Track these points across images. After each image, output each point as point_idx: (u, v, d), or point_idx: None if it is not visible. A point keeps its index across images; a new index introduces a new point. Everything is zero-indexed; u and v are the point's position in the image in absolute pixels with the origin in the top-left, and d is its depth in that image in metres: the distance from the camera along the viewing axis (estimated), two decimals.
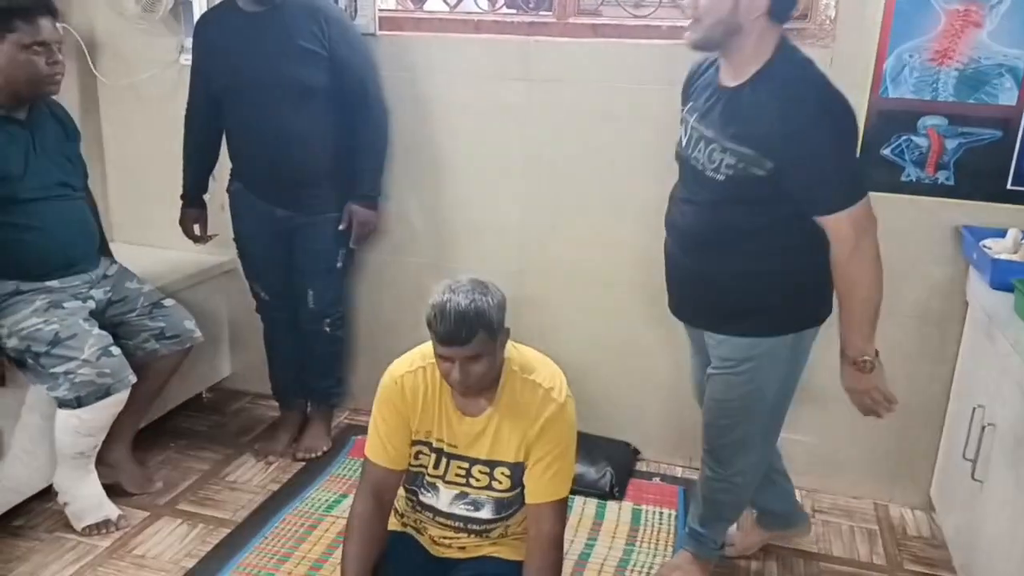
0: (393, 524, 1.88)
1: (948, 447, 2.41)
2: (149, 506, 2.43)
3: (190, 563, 2.18)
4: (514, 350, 1.76)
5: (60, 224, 2.22)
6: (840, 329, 1.77)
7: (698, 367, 2.08)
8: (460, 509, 1.78)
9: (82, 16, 2.91)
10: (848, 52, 2.28)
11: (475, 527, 1.79)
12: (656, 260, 2.54)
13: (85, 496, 2.29)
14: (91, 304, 2.27)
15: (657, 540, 2.35)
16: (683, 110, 1.88)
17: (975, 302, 2.21)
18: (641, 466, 2.74)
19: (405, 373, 1.75)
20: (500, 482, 1.75)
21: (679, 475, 2.71)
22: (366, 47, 2.53)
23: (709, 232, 1.80)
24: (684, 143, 1.83)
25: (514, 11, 2.69)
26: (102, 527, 2.29)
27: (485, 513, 1.77)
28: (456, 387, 1.65)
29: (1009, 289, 1.97)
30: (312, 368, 2.75)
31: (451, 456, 1.76)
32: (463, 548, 1.84)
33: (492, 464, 1.74)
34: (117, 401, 2.20)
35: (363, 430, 2.86)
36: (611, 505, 2.50)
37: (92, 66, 2.95)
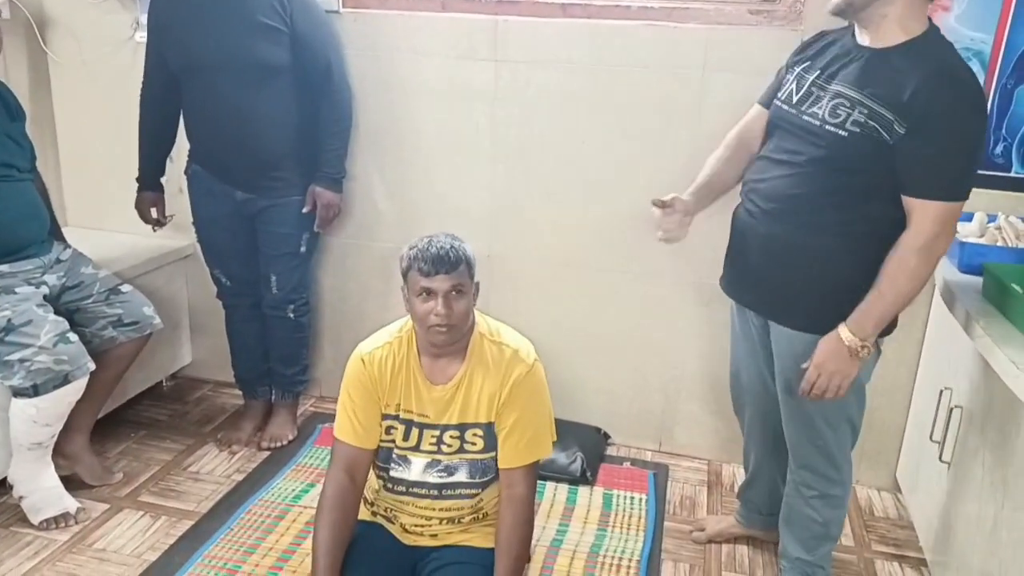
0: (363, 514, 1.86)
1: (915, 429, 2.43)
2: (109, 498, 2.36)
3: (153, 556, 2.13)
4: (480, 317, 1.80)
5: (6, 206, 2.13)
6: (856, 309, 1.69)
7: (747, 355, 2.02)
8: (433, 476, 1.78)
9: None
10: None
11: (449, 493, 1.79)
12: (626, 241, 2.54)
13: (42, 489, 2.22)
14: (44, 290, 2.19)
15: (628, 524, 2.34)
16: (792, 69, 1.81)
17: (942, 285, 2.22)
18: (611, 451, 2.74)
19: (373, 350, 1.78)
20: (473, 444, 1.77)
21: (649, 459, 2.71)
22: (330, 23, 2.46)
23: (802, 193, 1.72)
24: (794, 99, 1.74)
25: None
26: (60, 520, 2.23)
27: (460, 476, 1.79)
28: (439, 323, 1.66)
29: (976, 272, 1.98)
30: (276, 355, 2.69)
31: (422, 426, 1.77)
32: (435, 536, 1.82)
33: (463, 427, 1.76)
34: (75, 389, 2.14)
35: (329, 418, 2.81)
36: (582, 490, 2.49)
37: (42, 43, 2.84)
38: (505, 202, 2.64)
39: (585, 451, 2.58)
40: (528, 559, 1.93)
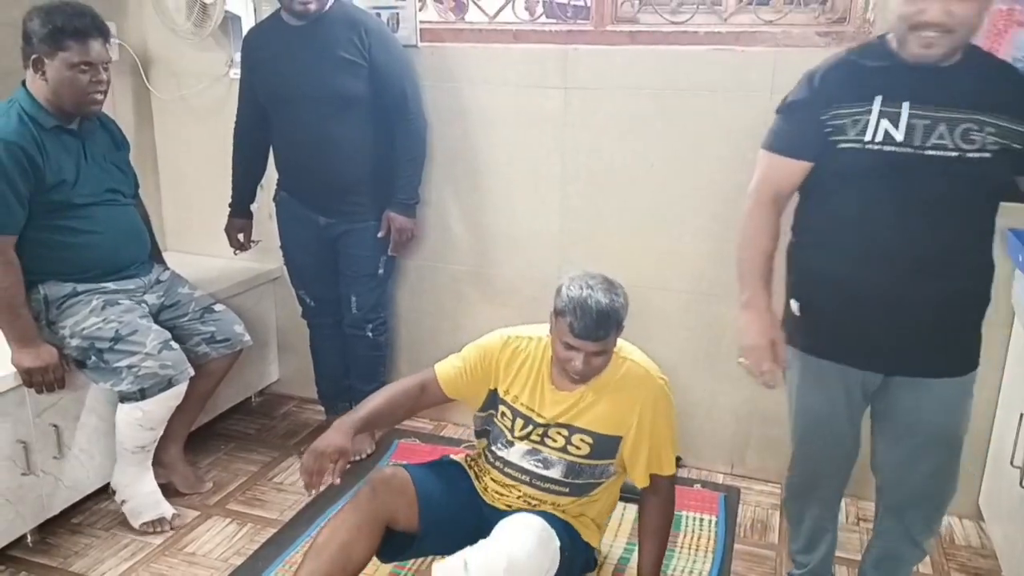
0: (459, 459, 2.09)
1: (996, 455, 2.36)
2: (200, 506, 2.51)
3: (238, 560, 2.25)
4: None
5: (111, 228, 2.31)
6: None
7: (847, 425, 1.86)
8: (529, 463, 1.90)
9: (137, 33, 3.03)
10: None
11: (539, 483, 1.91)
12: (696, 264, 2.56)
13: (143, 494, 2.38)
14: (145, 308, 2.36)
15: (697, 546, 2.34)
16: (853, 110, 1.62)
17: (1021, 306, 2.17)
18: (683, 473, 2.74)
19: (517, 336, 1.93)
20: (577, 447, 1.87)
21: (720, 482, 2.70)
22: (406, 57, 2.58)
23: (959, 233, 1.63)
24: (898, 137, 1.59)
25: (553, 20, 2.72)
26: (157, 524, 2.38)
27: (554, 472, 1.89)
28: (575, 374, 1.79)
29: None
30: (356, 372, 2.80)
31: (533, 421, 1.89)
32: (509, 506, 1.94)
33: (572, 429, 1.87)
34: (177, 393, 2.28)
35: (406, 435, 2.92)
36: None
37: (146, 80, 3.07)
38: (575, 226, 2.70)
39: None
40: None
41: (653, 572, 1.97)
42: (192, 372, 2.31)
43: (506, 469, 1.93)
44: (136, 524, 2.37)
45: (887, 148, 1.59)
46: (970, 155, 1.57)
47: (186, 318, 2.45)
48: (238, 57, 2.75)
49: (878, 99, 1.60)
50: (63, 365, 2.21)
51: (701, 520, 2.46)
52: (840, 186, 1.68)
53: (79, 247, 2.25)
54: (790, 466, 2.01)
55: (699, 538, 2.38)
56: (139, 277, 2.39)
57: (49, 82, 2.13)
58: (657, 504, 1.96)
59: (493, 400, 1.96)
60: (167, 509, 2.41)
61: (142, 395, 2.22)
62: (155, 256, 2.54)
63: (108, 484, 2.42)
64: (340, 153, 2.48)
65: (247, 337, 2.56)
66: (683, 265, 2.59)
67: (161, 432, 2.35)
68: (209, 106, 3.02)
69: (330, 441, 1.82)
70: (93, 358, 2.23)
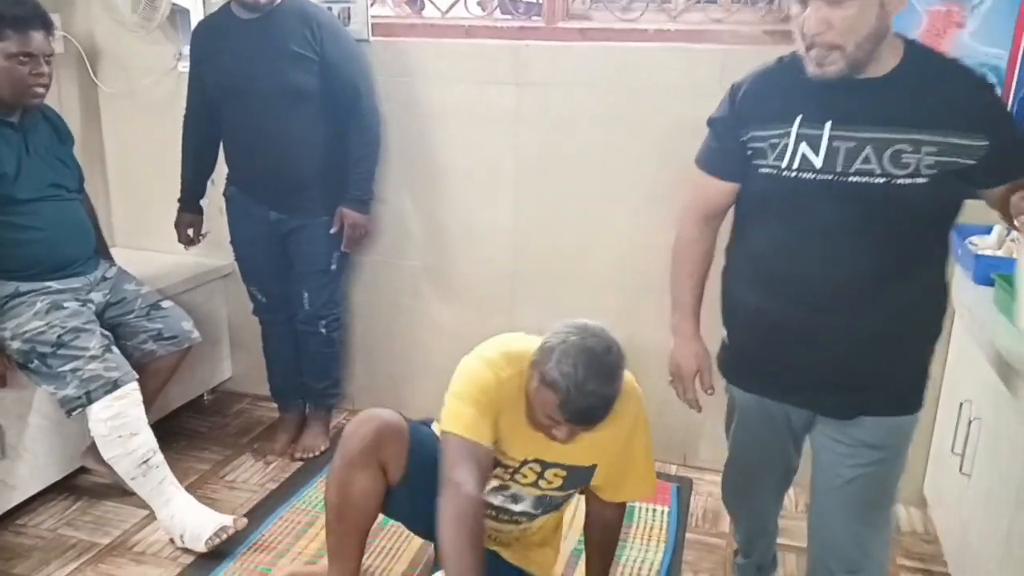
0: None
1: (939, 442, 2.42)
2: (148, 504, 2.47)
3: (188, 559, 2.22)
4: None
5: (55, 224, 2.26)
6: None
7: (774, 451, 1.78)
8: (498, 499, 1.78)
9: (83, 24, 2.97)
10: None
11: (505, 518, 1.81)
12: (646, 258, 2.58)
13: (188, 514, 2.24)
14: (91, 307, 2.32)
15: (649, 536, 2.37)
16: (772, 131, 1.48)
17: (960, 298, 2.23)
18: None
19: (507, 377, 1.66)
20: (550, 481, 1.76)
21: (673, 473, 2.73)
22: (358, 51, 2.57)
23: (882, 269, 1.46)
24: (818, 163, 1.43)
25: (506, 16, 2.73)
26: (221, 533, 2.20)
27: (522, 507, 1.80)
28: (557, 440, 1.62)
29: (992, 284, 1.99)
30: (309, 369, 2.78)
31: (502, 464, 1.74)
32: None
33: (545, 464, 1.75)
34: (128, 394, 2.20)
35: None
36: None
37: (92, 74, 3.01)
38: (529, 220, 2.71)
39: None
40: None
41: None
42: (136, 375, 2.27)
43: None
44: (202, 547, 2.20)
45: (805, 175, 1.44)
46: (900, 181, 1.40)
47: (132, 315, 2.41)
48: (187, 50, 2.72)
49: (797, 120, 1.45)
50: (4, 362, 2.16)
51: (654, 511, 2.49)
52: (759, 210, 1.56)
53: (22, 243, 2.20)
54: (726, 465, 1.98)
55: (651, 528, 2.40)
56: (84, 275, 2.34)
57: None
58: (618, 519, 1.93)
59: None
60: (223, 519, 2.23)
61: (88, 399, 2.17)
62: (101, 252, 2.49)
63: (51, 486, 2.37)
64: (291, 148, 2.46)
65: (196, 334, 2.53)
66: (635, 260, 2.62)
67: (151, 438, 2.25)
68: (158, 100, 2.97)
69: None
70: (36, 362, 2.18)
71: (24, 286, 2.21)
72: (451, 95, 2.67)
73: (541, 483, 1.76)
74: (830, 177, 1.43)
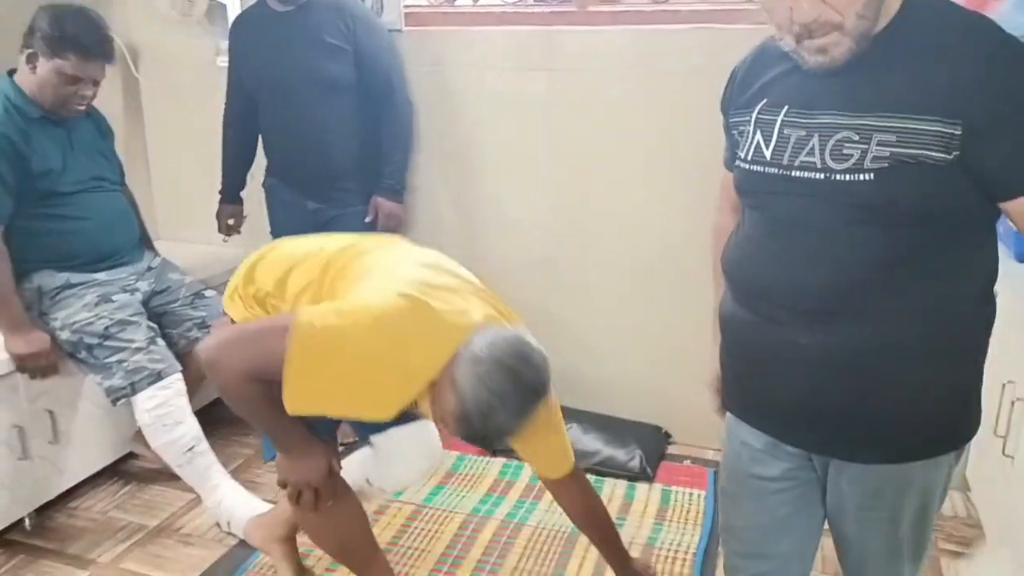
0: None
1: (982, 425, 2.38)
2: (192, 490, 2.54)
3: (233, 541, 2.28)
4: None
5: (99, 215, 2.34)
6: None
7: (793, 515, 1.38)
8: None
9: (123, 20, 3.04)
10: None
11: None
12: (685, 243, 2.58)
13: (237, 504, 2.26)
14: (139, 296, 2.39)
15: (686, 519, 2.37)
16: (740, 113, 1.29)
17: (1002, 277, 2.19)
18: (673, 450, 2.77)
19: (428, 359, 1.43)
20: None
21: (711, 458, 2.72)
22: (391, 42, 2.60)
23: (840, 277, 1.16)
24: (769, 154, 1.20)
25: (537, 2, 2.73)
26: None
27: None
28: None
29: None
30: None
31: None
32: None
33: None
34: (172, 384, 2.27)
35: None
36: (641, 486, 2.53)
37: (134, 70, 3.08)
38: (565, 206, 2.71)
39: (644, 449, 2.63)
40: None
41: (625, 558, 1.88)
42: (179, 367, 2.33)
43: None
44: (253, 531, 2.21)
45: (755, 168, 1.23)
46: (839, 177, 1.13)
47: (177, 303, 2.48)
48: (225, 45, 2.77)
49: (760, 105, 1.24)
50: (55, 351, 2.24)
51: (691, 495, 2.49)
52: (739, 209, 1.37)
53: (68, 234, 2.28)
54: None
55: (688, 512, 2.41)
56: (130, 264, 2.41)
57: (36, 78, 2.16)
58: (582, 493, 1.79)
59: None
60: (265, 506, 2.26)
61: (133, 389, 2.24)
62: (145, 243, 2.56)
63: (101, 470, 2.45)
64: (327, 138, 2.50)
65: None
66: (673, 244, 2.61)
67: (196, 426, 2.30)
68: (198, 94, 3.03)
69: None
70: (83, 352, 2.25)
71: (75, 278, 2.29)
72: (483, 83, 2.68)
73: None
74: (776, 171, 1.19)
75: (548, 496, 2.40)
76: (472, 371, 1.36)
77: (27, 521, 2.31)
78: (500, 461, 2.64)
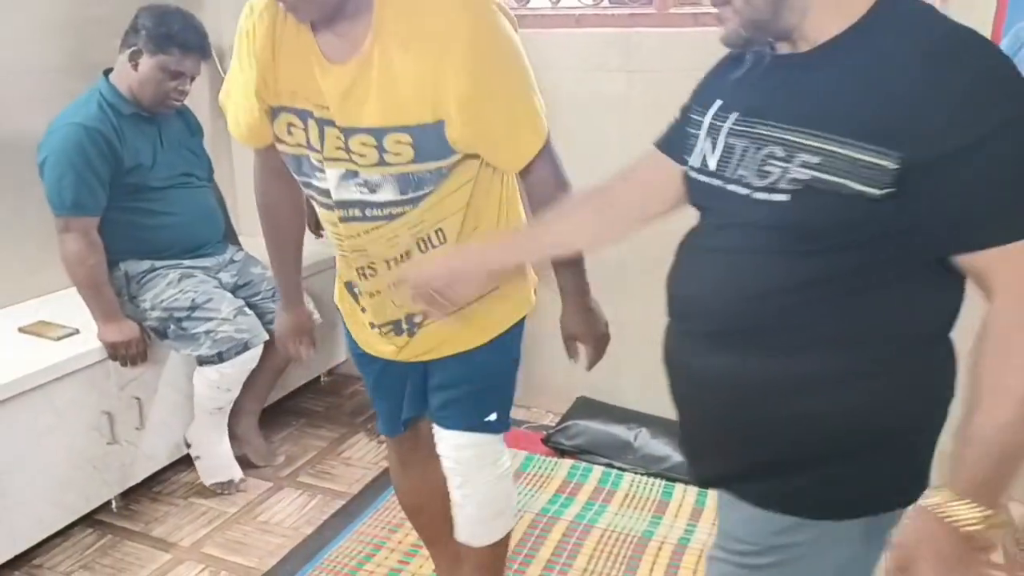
0: (340, 298, 1.66)
1: None
2: (272, 477, 2.61)
3: (309, 530, 2.34)
4: None
5: (187, 209, 2.42)
6: (953, 453, 0.94)
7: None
8: (353, 192, 1.37)
9: (211, 21, 3.12)
10: None
11: (375, 213, 1.39)
12: None
13: (216, 455, 2.50)
14: (218, 283, 2.46)
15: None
16: (697, 116, 1.16)
17: None
18: None
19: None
20: (399, 154, 1.31)
21: None
22: None
23: (748, 301, 1.03)
24: (715, 164, 1.09)
25: (615, 4, 2.73)
26: (227, 487, 2.51)
27: (384, 195, 1.36)
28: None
29: None
30: None
31: (324, 122, 1.34)
32: (401, 313, 1.52)
33: (378, 132, 1.30)
34: (253, 356, 2.38)
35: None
36: (677, 487, 2.52)
37: (220, 70, 3.17)
38: None
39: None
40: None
41: (580, 286, 1.54)
42: (267, 335, 2.40)
43: (337, 210, 1.41)
44: (207, 483, 2.51)
45: (699, 178, 1.12)
46: (757, 196, 1.00)
47: (258, 297, 2.55)
48: None
49: (715, 106, 1.12)
50: (144, 340, 2.32)
51: None
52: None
53: (157, 227, 2.36)
54: None
55: None
56: (214, 256, 2.49)
57: (138, 76, 2.24)
58: (547, 187, 1.47)
59: (272, 113, 1.41)
60: (236, 472, 2.53)
61: (220, 358, 2.33)
62: (229, 237, 2.64)
63: (183, 457, 2.54)
64: None
65: (316, 315, 2.64)
66: None
67: (236, 393, 2.45)
68: None
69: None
70: (172, 327, 2.34)
71: (158, 263, 2.38)
72: (561, 84, 2.69)
73: (388, 157, 1.32)
74: (714, 182, 1.08)
75: (618, 498, 2.42)
76: None
77: (114, 503, 2.41)
78: (568, 463, 2.64)
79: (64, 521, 2.24)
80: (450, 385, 1.59)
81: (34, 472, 2.12)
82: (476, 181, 1.45)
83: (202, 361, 2.36)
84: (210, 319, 2.33)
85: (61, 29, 2.55)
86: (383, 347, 1.61)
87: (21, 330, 2.32)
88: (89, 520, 2.36)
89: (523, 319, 1.63)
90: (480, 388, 1.60)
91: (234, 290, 2.51)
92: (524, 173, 1.46)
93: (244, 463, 2.59)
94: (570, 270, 1.54)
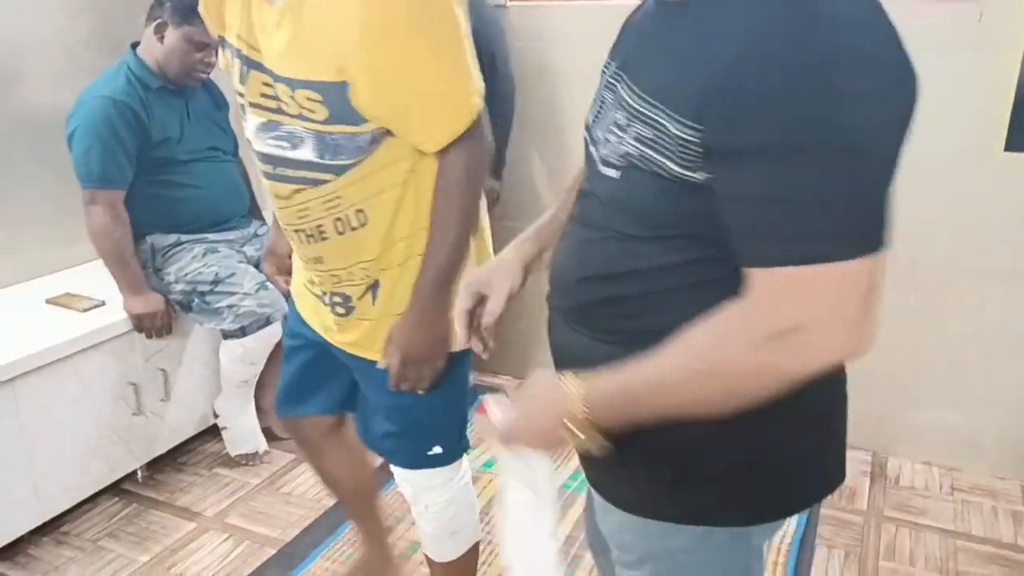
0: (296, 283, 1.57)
1: None
2: (295, 449, 2.61)
3: (330, 502, 2.35)
4: None
5: (212, 183, 2.44)
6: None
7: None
8: (271, 146, 1.30)
9: None
10: (1000, 7, 2.11)
11: (291, 174, 1.30)
12: None
13: (242, 426, 2.55)
14: (243, 256, 2.48)
15: None
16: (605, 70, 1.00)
17: None
18: None
19: None
20: (312, 111, 1.23)
21: None
22: (495, 18, 2.60)
23: (590, 282, 0.94)
24: (592, 118, 0.98)
25: None
26: (252, 459, 2.55)
27: (302, 153, 1.27)
28: None
29: None
30: None
31: (251, 63, 1.27)
32: (327, 284, 1.41)
33: (292, 83, 1.23)
34: (276, 330, 2.38)
35: (489, 390, 2.98)
36: None
37: None
38: None
39: None
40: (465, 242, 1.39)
41: (434, 279, 1.35)
42: (286, 309, 2.41)
43: (259, 162, 1.34)
44: (233, 453, 2.57)
45: (584, 134, 1.00)
46: (599, 167, 0.91)
47: None
48: None
49: (609, 54, 1.00)
50: (169, 312, 2.34)
51: None
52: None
53: (183, 200, 2.38)
54: None
55: None
56: (239, 230, 2.51)
57: (164, 48, 2.25)
58: (446, 178, 1.31)
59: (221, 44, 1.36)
60: (262, 444, 2.58)
61: (243, 332, 2.35)
62: (254, 212, 2.65)
63: (208, 428, 2.57)
64: None
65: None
66: None
67: (262, 367, 2.46)
68: None
69: None
70: (196, 300, 2.36)
71: (184, 236, 2.40)
72: (586, 59, 2.63)
73: (305, 112, 1.24)
74: (587, 139, 0.97)
75: None
76: None
77: (139, 473, 2.45)
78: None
79: (91, 490, 2.28)
80: (385, 419, 1.52)
81: (61, 441, 2.16)
82: (417, 171, 1.32)
83: (226, 335, 2.38)
84: (232, 293, 2.34)
85: (87, 3, 2.56)
86: (318, 319, 1.50)
87: (48, 301, 2.35)
88: (115, 489, 2.39)
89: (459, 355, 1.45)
90: (415, 426, 1.52)
91: (258, 264, 2.52)
92: (439, 157, 1.31)
93: (269, 435, 2.61)
94: (427, 273, 1.36)
